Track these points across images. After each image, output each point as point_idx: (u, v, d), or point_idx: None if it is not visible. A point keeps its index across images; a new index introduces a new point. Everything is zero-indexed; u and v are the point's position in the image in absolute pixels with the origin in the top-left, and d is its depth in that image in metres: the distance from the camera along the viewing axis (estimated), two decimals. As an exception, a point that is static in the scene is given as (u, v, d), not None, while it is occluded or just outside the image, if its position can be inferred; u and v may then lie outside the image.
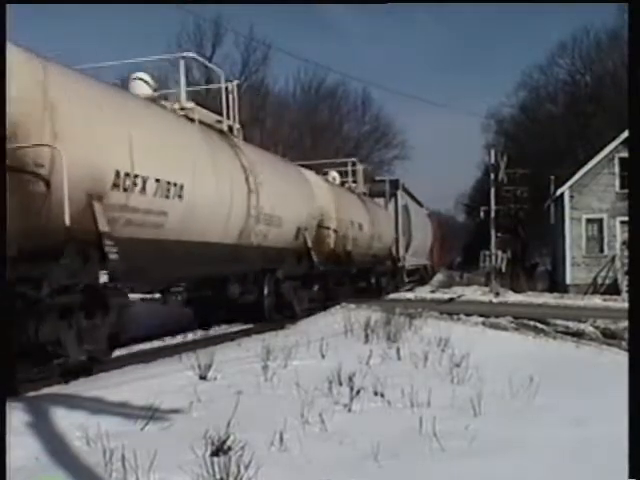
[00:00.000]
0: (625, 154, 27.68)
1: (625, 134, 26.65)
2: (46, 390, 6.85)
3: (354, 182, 22.98)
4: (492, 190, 31.36)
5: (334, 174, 21.97)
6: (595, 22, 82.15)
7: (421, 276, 34.85)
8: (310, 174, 17.51)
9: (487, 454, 4.62)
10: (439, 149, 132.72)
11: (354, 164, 24.29)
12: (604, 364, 9.11)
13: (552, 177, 35.58)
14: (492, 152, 32.87)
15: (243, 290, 12.72)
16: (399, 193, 27.60)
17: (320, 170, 20.92)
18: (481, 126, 68.95)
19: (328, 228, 17.11)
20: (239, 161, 11.83)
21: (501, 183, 31.82)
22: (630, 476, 3.23)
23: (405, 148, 61.73)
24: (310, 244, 15.30)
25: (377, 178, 29.93)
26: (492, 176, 31.38)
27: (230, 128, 12.36)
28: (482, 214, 33.30)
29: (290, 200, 14.23)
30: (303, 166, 18.04)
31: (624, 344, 10.29)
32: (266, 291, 13.55)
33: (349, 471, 4.28)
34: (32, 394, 6.57)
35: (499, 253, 31.29)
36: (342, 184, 21.83)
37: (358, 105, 58.74)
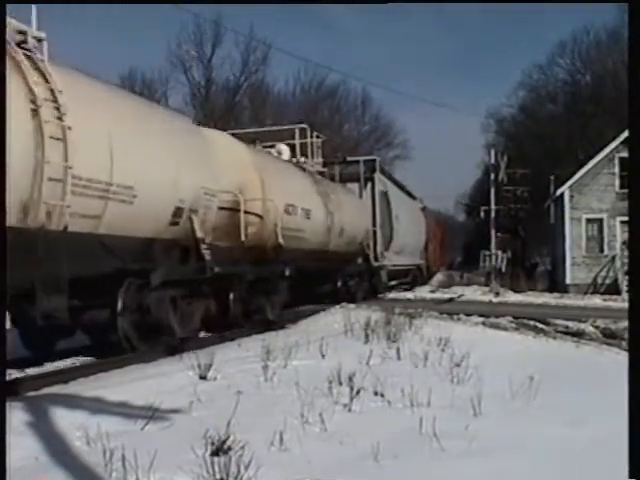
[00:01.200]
0: (625, 154, 27.67)
1: (625, 134, 26.64)
2: (46, 390, 6.85)
3: (309, 159, 18.39)
4: (492, 190, 31.41)
5: (281, 147, 17.40)
6: (595, 22, 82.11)
7: (413, 278, 30.62)
8: (220, 136, 13.70)
9: (487, 454, 4.62)
10: (439, 149, 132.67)
11: (304, 132, 18.92)
12: (604, 364, 9.11)
13: (552, 177, 35.58)
14: (492, 152, 32.94)
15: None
16: (377, 177, 22.76)
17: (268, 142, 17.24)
18: (481, 126, 68.86)
19: (247, 213, 12.73)
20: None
21: (501, 183, 31.89)
22: (630, 476, 3.23)
23: (406, 148, 61.81)
24: (200, 233, 10.69)
25: (349, 158, 24.02)
26: (492, 176, 31.45)
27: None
28: (482, 214, 33.37)
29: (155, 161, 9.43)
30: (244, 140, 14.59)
31: (624, 344, 10.29)
32: (120, 306, 9.14)
33: (349, 471, 4.28)
34: (32, 394, 6.57)
35: (499, 253, 31.32)
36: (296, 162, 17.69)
37: (358, 105, 58.83)
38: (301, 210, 15.14)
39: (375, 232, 22.04)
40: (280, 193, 14.00)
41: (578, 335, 12.87)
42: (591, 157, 31.47)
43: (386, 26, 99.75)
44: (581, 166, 31.55)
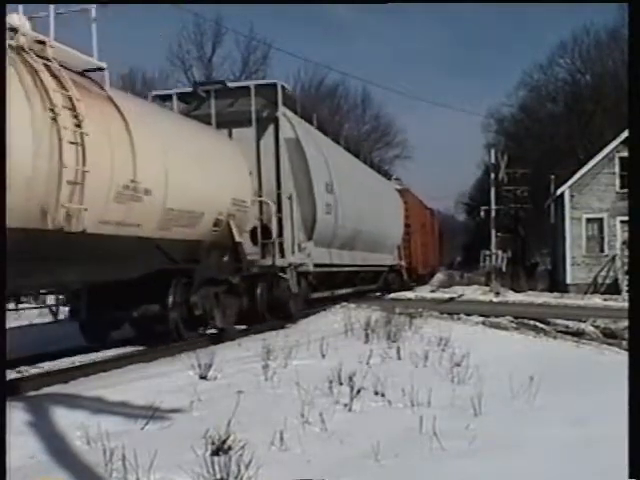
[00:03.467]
0: (625, 154, 27.68)
1: (625, 134, 26.63)
2: (46, 389, 6.85)
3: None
4: (492, 190, 31.38)
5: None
6: (595, 21, 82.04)
7: (386, 284, 24.06)
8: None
9: (487, 454, 4.62)
10: (439, 148, 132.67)
11: None
12: (604, 363, 9.11)
13: (552, 177, 35.58)
14: (492, 152, 32.92)
15: None
16: (281, 116, 13.96)
17: None
18: (481, 125, 68.84)
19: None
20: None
21: (501, 183, 31.90)
22: (630, 476, 3.22)
23: (406, 148, 61.66)
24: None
25: (232, 84, 15.66)
26: (492, 176, 31.45)
27: None
28: (482, 214, 33.37)
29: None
30: None
31: (624, 344, 10.28)
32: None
33: (349, 470, 4.28)
34: (32, 393, 6.58)
35: (499, 253, 31.31)
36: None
37: (358, 104, 58.76)
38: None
39: (280, 206, 13.79)
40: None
41: (578, 335, 12.87)
42: (591, 157, 31.48)
43: (386, 25, 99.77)
44: (581, 166, 31.56)
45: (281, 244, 13.65)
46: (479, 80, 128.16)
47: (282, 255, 13.66)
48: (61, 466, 4.17)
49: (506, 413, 5.83)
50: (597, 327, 13.81)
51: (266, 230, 13.46)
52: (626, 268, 26.71)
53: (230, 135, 13.64)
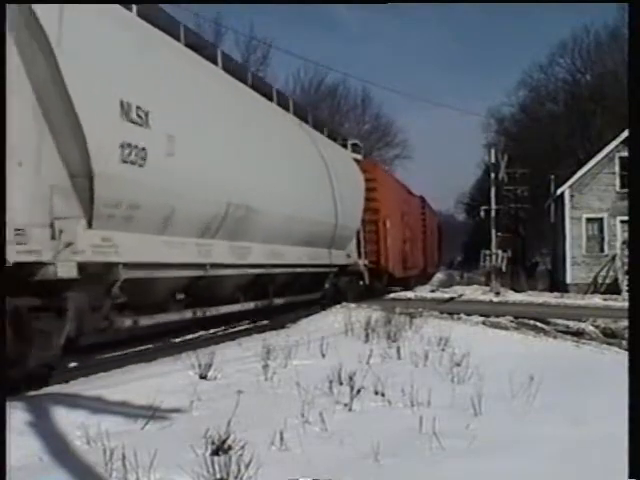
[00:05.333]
0: (625, 153, 27.69)
1: (625, 133, 26.63)
2: (46, 389, 6.85)
3: None
4: (492, 189, 31.35)
5: None
6: (595, 21, 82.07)
7: (335, 292, 16.92)
8: None
9: (487, 454, 4.62)
10: (439, 148, 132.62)
11: None
12: (604, 363, 9.11)
13: (552, 176, 35.60)
14: (492, 151, 32.88)
15: None
16: None
17: None
18: (481, 125, 68.88)
19: None
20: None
21: (501, 182, 31.84)
22: (630, 476, 3.23)
23: (407, 147, 61.55)
24: None
25: None
26: (492, 175, 31.39)
27: None
28: (482, 213, 33.30)
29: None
30: None
31: (624, 343, 10.29)
32: None
33: (350, 470, 4.28)
34: (32, 393, 6.57)
35: (499, 252, 31.27)
36: None
37: (358, 104, 58.68)
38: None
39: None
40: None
41: (578, 335, 12.88)
42: (591, 157, 31.51)
43: (386, 25, 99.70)
44: (581, 166, 31.58)
45: None
46: (479, 80, 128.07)
47: None
48: (61, 466, 4.17)
49: (506, 413, 5.83)
50: (597, 327, 13.82)
51: None
52: (626, 268, 26.71)
53: None
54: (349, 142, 20.09)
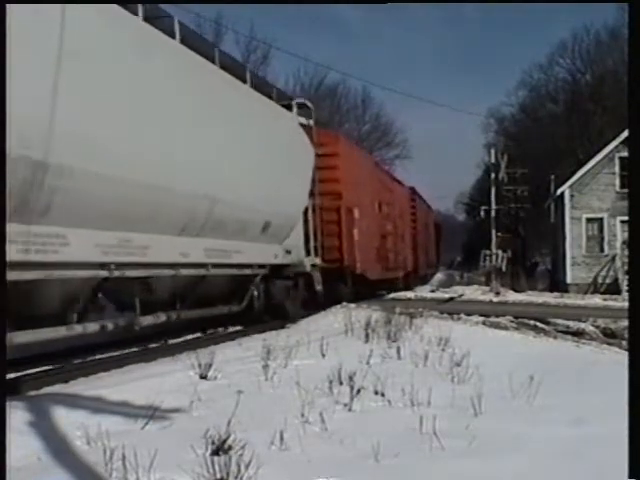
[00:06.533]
0: (625, 153, 27.69)
1: (625, 133, 26.63)
2: (47, 389, 6.85)
3: None
4: (492, 189, 31.35)
5: None
6: (595, 21, 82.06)
7: (266, 301, 12.86)
8: None
9: (487, 454, 4.62)
10: (439, 148, 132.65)
11: None
12: (604, 363, 9.11)
13: (552, 176, 35.60)
14: (492, 151, 32.88)
15: None
16: None
17: None
18: (481, 125, 68.93)
19: None
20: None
21: (501, 182, 31.84)
22: (630, 476, 3.23)
23: (407, 147, 61.51)
24: None
25: None
26: (492, 175, 31.39)
27: None
28: (482, 213, 33.30)
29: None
30: None
31: (624, 343, 10.29)
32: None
33: (349, 470, 4.28)
34: (32, 393, 6.57)
35: (499, 252, 31.27)
36: None
37: (358, 104, 58.67)
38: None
39: None
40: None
41: (578, 334, 12.89)
42: (591, 156, 31.49)
43: (386, 25, 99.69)
44: (581, 166, 31.57)
45: None
46: (480, 79, 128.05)
47: None
48: (61, 466, 4.17)
49: (506, 413, 5.83)
50: (597, 327, 13.83)
51: None
52: (626, 268, 26.71)
53: None
54: (294, 102, 14.41)
